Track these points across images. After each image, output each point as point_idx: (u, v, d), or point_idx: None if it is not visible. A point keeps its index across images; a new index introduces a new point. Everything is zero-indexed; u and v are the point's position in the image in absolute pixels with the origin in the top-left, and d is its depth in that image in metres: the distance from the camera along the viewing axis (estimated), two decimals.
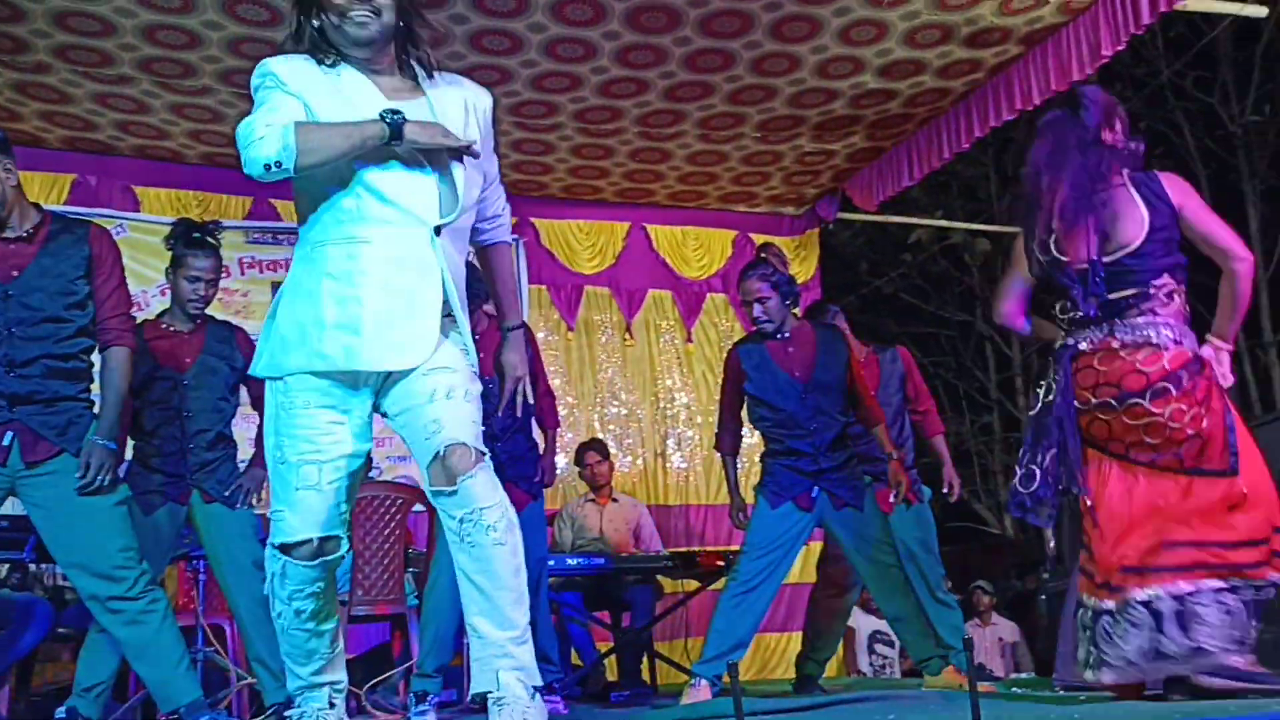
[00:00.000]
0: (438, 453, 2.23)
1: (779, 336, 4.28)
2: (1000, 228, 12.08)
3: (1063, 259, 2.97)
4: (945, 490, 5.06)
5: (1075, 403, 2.94)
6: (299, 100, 2.28)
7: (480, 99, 2.47)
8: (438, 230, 2.28)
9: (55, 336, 3.22)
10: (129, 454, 3.94)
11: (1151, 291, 2.88)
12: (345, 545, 2.35)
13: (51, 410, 3.20)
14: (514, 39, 5.29)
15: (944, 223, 12.05)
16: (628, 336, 7.48)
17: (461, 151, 2.28)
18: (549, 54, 5.45)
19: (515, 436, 4.50)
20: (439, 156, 2.31)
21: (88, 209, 6.08)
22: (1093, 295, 2.90)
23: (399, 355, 2.26)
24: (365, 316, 2.24)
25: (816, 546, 5.37)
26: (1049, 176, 3.01)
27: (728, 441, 4.58)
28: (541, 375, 4.75)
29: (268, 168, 2.22)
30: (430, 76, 2.40)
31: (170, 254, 4.00)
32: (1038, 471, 2.97)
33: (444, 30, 5.04)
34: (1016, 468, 3.06)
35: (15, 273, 3.21)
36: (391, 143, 2.21)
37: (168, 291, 4.16)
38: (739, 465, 4.80)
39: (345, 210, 2.28)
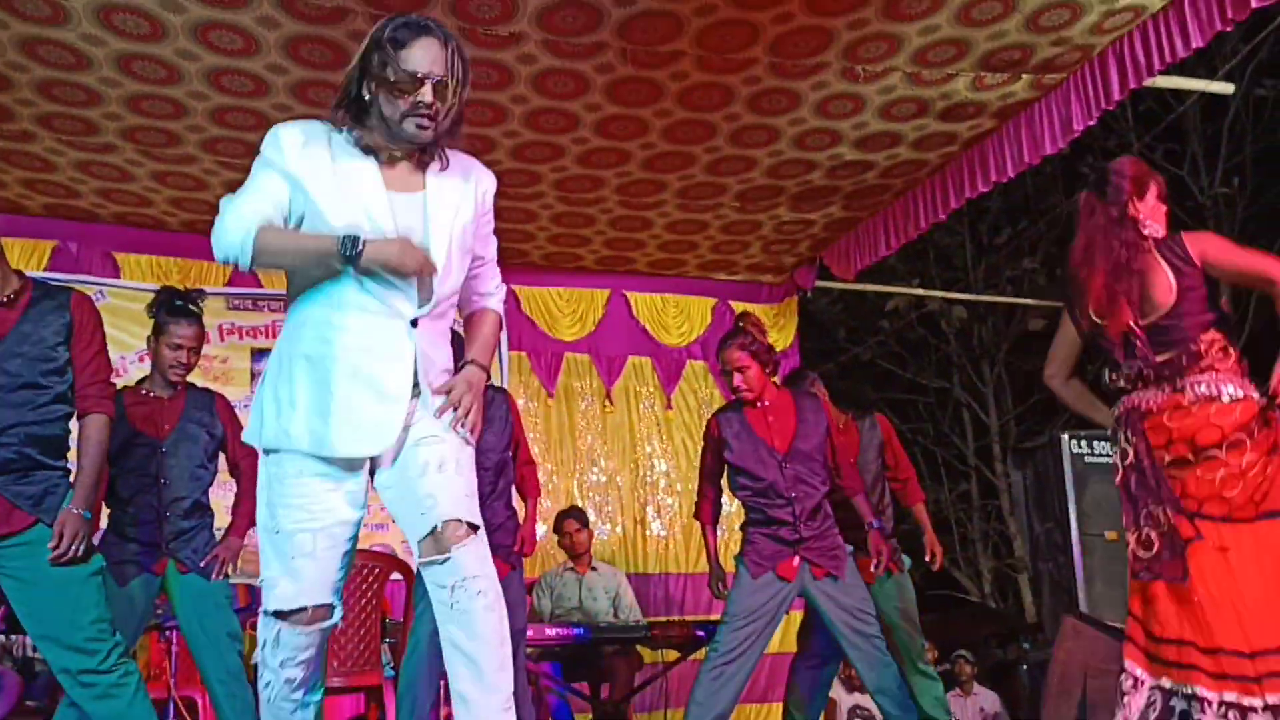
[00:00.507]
0: (433, 528, 2.25)
1: (758, 405, 4.30)
2: (975, 296, 12.24)
3: (1102, 325, 3.10)
4: (927, 559, 5.05)
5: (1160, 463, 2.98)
6: (290, 182, 2.29)
7: (482, 182, 2.49)
8: (414, 322, 2.31)
9: (32, 404, 3.18)
10: (104, 522, 3.90)
11: (1202, 349, 2.96)
12: (338, 612, 2.35)
13: (27, 480, 3.16)
14: (497, 109, 5.35)
15: (921, 291, 12.18)
16: (607, 403, 7.49)
17: (419, 274, 2.28)
18: (531, 125, 5.52)
19: (494, 504, 4.49)
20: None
21: (68, 275, 6.09)
22: (1137, 359, 3.02)
23: (363, 443, 2.28)
24: (333, 403, 2.26)
25: (797, 616, 5.34)
26: (1086, 268, 3.17)
27: (707, 510, 4.57)
28: (523, 444, 4.74)
29: (225, 260, 2.33)
30: (444, 166, 2.42)
31: (152, 321, 4.00)
32: (1153, 534, 2.97)
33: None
34: (1128, 537, 3.07)
35: None
36: (346, 265, 2.23)
37: (147, 358, 4.15)
38: (719, 534, 4.78)
39: (327, 294, 2.30)
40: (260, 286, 6.67)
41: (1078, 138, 5.42)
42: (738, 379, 4.25)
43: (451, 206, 2.38)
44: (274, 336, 6.74)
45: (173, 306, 3.97)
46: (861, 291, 11.05)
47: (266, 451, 2.35)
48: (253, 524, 4.20)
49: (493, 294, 2.62)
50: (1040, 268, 13.19)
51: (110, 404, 3.32)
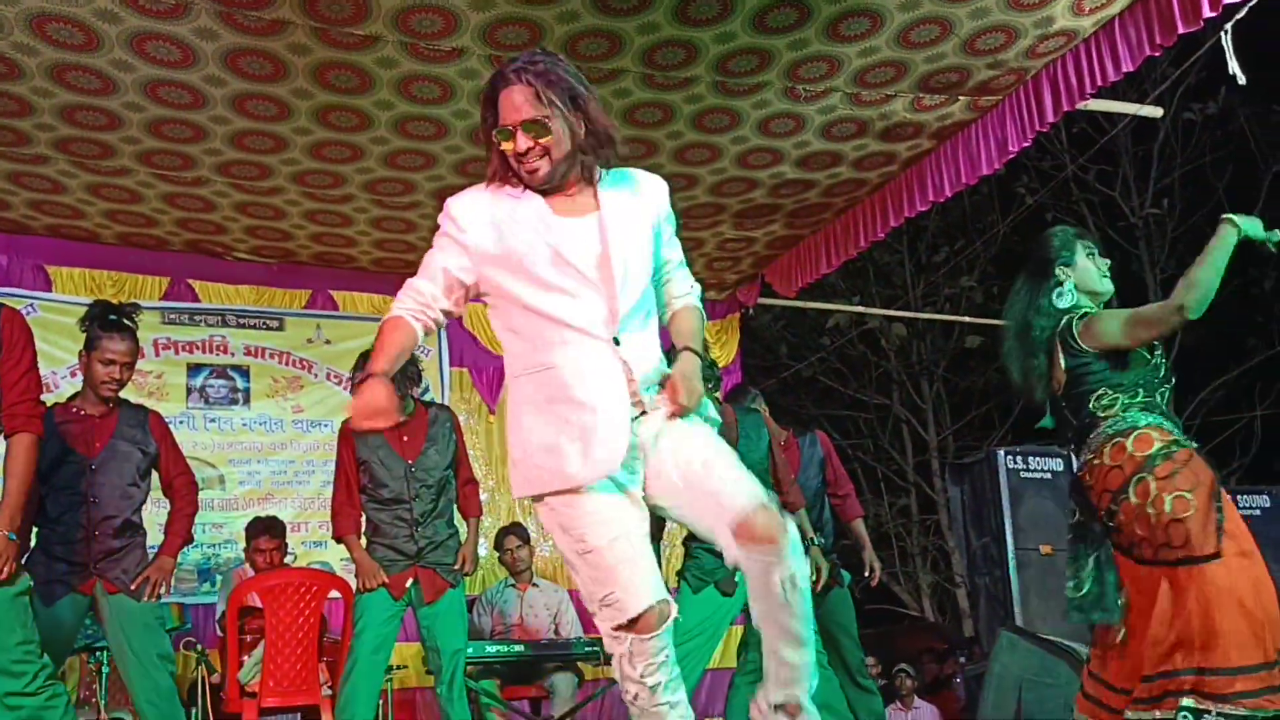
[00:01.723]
0: (745, 515, 2.31)
1: None
2: (914, 314, 12.39)
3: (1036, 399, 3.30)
4: (866, 574, 5.09)
5: (1099, 523, 3.09)
6: (470, 244, 2.37)
7: (653, 189, 2.55)
8: (616, 340, 2.36)
9: None
10: (33, 541, 3.81)
11: (1091, 406, 3.10)
12: (675, 607, 2.39)
13: None
14: (439, 124, 5.32)
15: (861, 309, 12.30)
16: None
17: (367, 427, 2.29)
18: (474, 140, 5.49)
19: (434, 523, 4.46)
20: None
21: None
22: (1067, 425, 3.21)
23: (600, 465, 2.36)
24: (567, 432, 2.37)
25: (737, 631, 5.35)
26: (1004, 356, 3.36)
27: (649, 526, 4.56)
28: (465, 462, 4.71)
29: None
30: (611, 179, 2.47)
31: (84, 335, 3.92)
32: (1086, 580, 3.11)
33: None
34: (1068, 579, 3.18)
35: None
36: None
37: (79, 373, 4.06)
38: (662, 549, 4.78)
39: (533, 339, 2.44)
40: (197, 301, 6.58)
41: (1013, 158, 5.53)
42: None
43: (625, 219, 2.41)
44: (210, 351, 6.66)
45: (106, 321, 3.89)
46: (803, 308, 11.14)
47: (538, 498, 2.43)
48: (186, 543, 4.15)
49: (689, 293, 2.63)
50: (977, 285, 13.39)
51: (39, 423, 3.23)
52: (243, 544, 5.68)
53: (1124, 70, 4.74)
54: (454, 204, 2.41)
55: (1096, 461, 3.04)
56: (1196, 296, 2.92)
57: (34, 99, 4.93)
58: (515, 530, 6.20)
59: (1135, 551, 2.97)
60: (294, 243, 6.65)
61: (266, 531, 5.45)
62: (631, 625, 2.30)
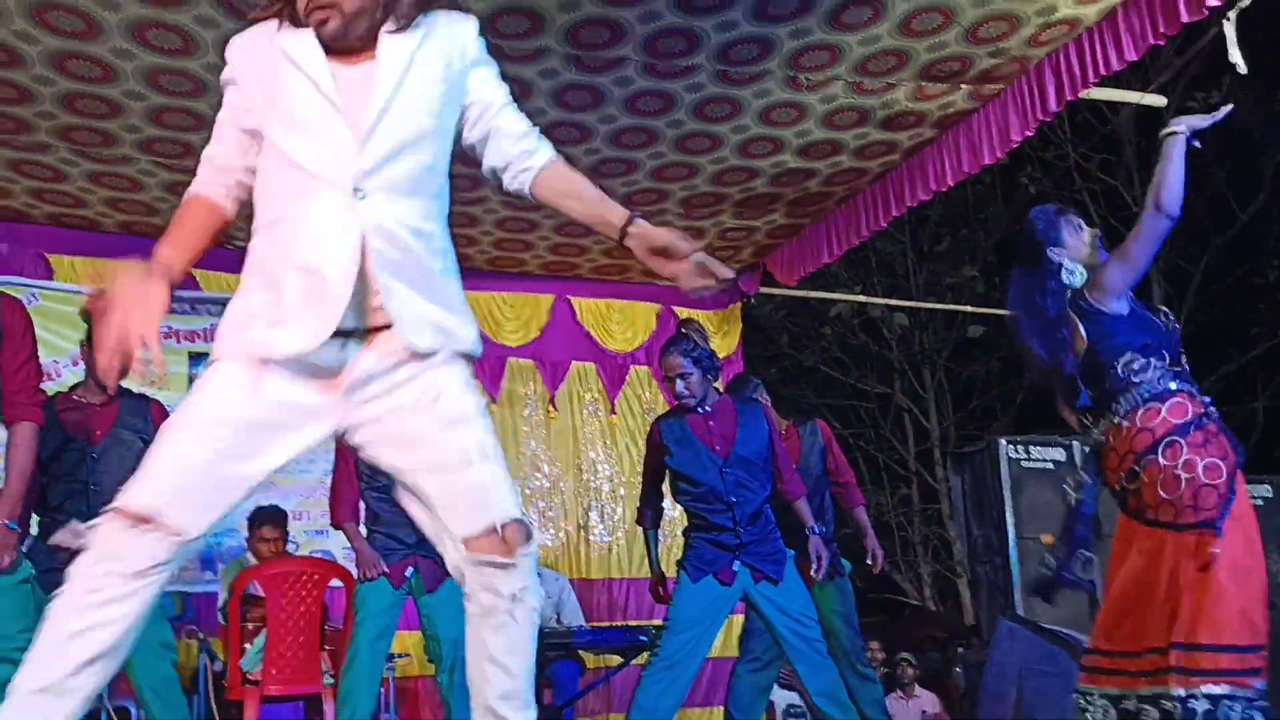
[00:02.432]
0: (493, 526, 1.98)
1: (700, 411, 4.31)
2: (916, 303, 12.38)
3: (1063, 377, 3.24)
4: (868, 562, 5.10)
5: (1112, 488, 3.09)
6: (243, 84, 2.05)
7: (449, 29, 2.13)
8: (358, 191, 1.98)
9: None
10: (34, 529, 3.82)
11: (1120, 371, 3.06)
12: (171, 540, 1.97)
13: None
14: None
15: (863, 298, 12.30)
16: (551, 409, 7.47)
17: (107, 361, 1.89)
18: None
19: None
20: None
21: None
22: (1079, 403, 3.18)
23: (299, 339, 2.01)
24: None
25: (738, 620, 5.36)
26: (1022, 337, 3.30)
27: (649, 515, 4.58)
28: None
29: None
30: (399, 27, 2.06)
31: (85, 326, 3.92)
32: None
33: None
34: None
35: None
36: None
37: (80, 362, 4.07)
38: (662, 539, 4.79)
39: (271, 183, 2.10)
40: (199, 289, 6.57)
41: (1016, 147, 5.52)
42: (680, 385, 4.26)
43: (404, 59, 2.02)
44: (212, 340, 6.64)
45: None
46: (804, 298, 11.13)
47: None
48: None
49: (547, 145, 2.21)
50: (980, 275, 13.38)
51: (39, 412, 3.24)
52: (245, 533, 5.69)
53: (1127, 59, 4.73)
54: (231, 41, 2.10)
55: (1125, 424, 3.02)
56: (1169, 194, 3.04)
57: (35, 87, 4.93)
58: None
59: (1149, 514, 2.96)
60: None
61: (269, 520, 5.45)
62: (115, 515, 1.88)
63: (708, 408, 4.32)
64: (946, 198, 10.20)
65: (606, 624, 6.67)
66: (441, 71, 2.07)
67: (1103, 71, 4.82)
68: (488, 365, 7.32)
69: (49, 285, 6.27)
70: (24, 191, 5.98)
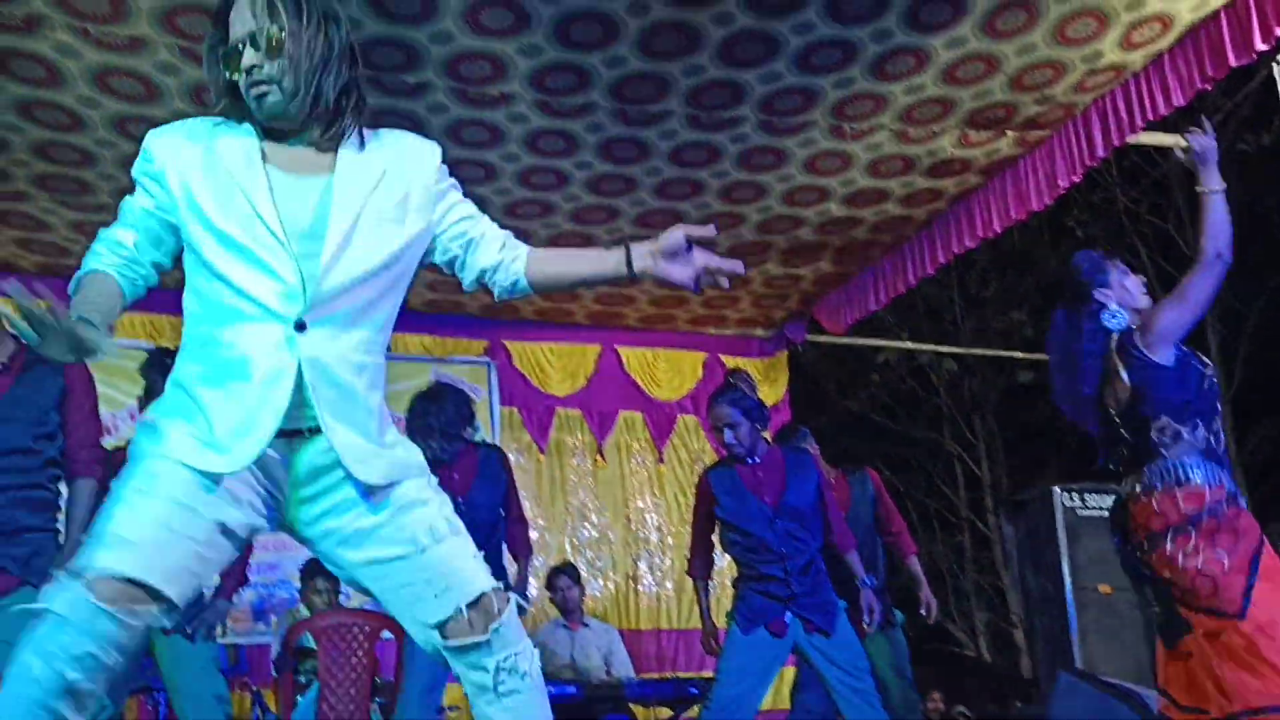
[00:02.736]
0: (458, 610, 1.93)
1: (749, 461, 4.30)
2: (965, 349, 12.29)
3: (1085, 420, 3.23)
4: (922, 612, 5.03)
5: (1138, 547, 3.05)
6: (166, 178, 1.92)
7: (413, 154, 2.07)
8: (300, 325, 1.87)
9: (22, 468, 3.18)
10: None
11: (1155, 436, 3.01)
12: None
13: (15, 542, 3.14)
14: (488, 168, 5.41)
15: (910, 344, 12.22)
16: (599, 458, 7.48)
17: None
18: (522, 183, 5.58)
19: (486, 563, 4.46)
20: None
21: None
22: (1121, 445, 3.12)
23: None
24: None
25: (790, 673, 5.30)
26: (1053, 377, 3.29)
27: (699, 566, 4.56)
28: (515, 501, 4.72)
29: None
30: (362, 143, 2.01)
31: (144, 383, 4.00)
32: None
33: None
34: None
35: None
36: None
37: (137, 416, 4.14)
38: (712, 589, 4.76)
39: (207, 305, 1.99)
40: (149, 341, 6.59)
41: (1063, 193, 5.49)
42: (729, 435, 4.25)
43: (363, 183, 1.94)
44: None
45: (164, 368, 3.95)
46: (852, 345, 11.09)
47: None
48: (241, 584, 4.19)
49: (519, 243, 2.15)
50: (1028, 320, 13.26)
51: (100, 468, 3.31)
52: (298, 584, 5.73)
53: (1175, 104, 4.71)
54: (151, 134, 1.96)
55: (1145, 500, 2.99)
56: (1217, 239, 3.07)
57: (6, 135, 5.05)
58: (566, 570, 6.20)
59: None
60: None
61: (321, 572, 5.49)
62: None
63: (757, 458, 4.30)
64: (994, 243, 10.13)
65: (656, 676, 6.61)
66: (402, 210, 1.98)
67: (1150, 117, 4.80)
68: (536, 415, 7.35)
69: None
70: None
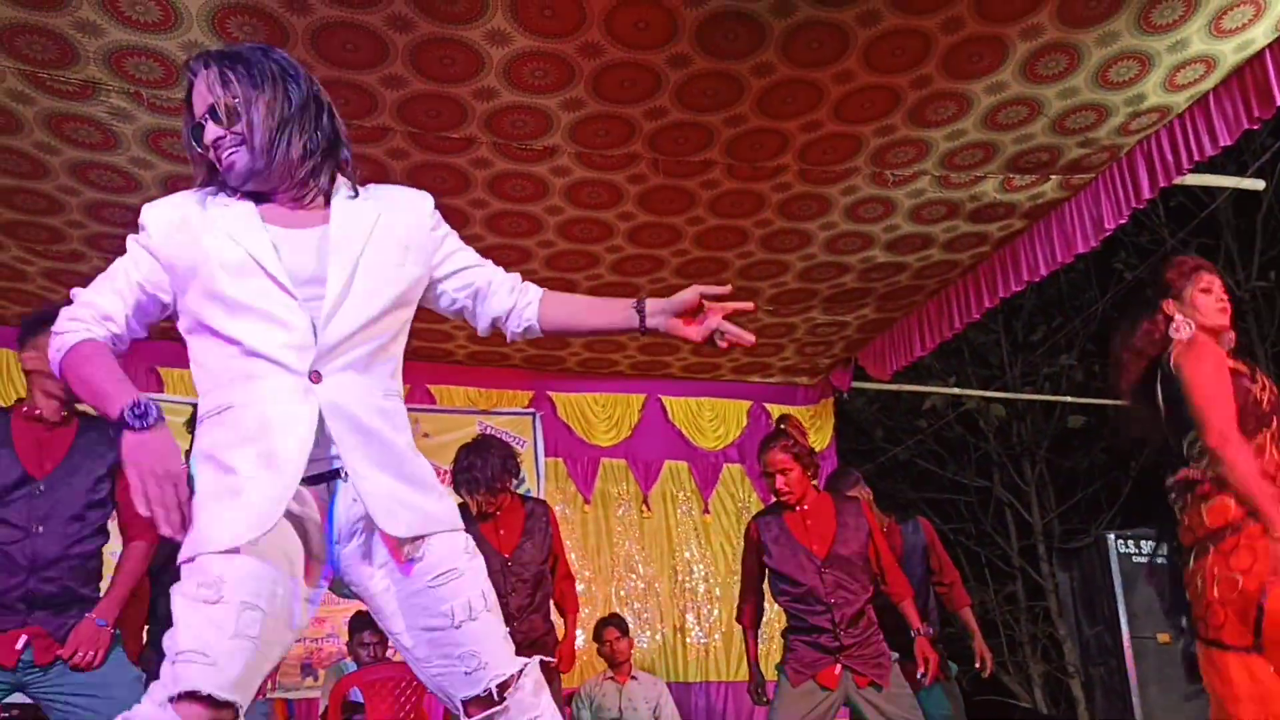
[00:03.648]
0: (486, 691, 1.97)
1: (798, 509, 4.26)
2: (1013, 395, 12.15)
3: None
4: (977, 665, 4.94)
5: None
6: (160, 251, 1.95)
7: (406, 203, 2.10)
8: (314, 375, 1.90)
9: (77, 536, 3.23)
10: (144, 638, 3.91)
11: (1186, 445, 2.99)
12: None
13: (66, 614, 3.21)
14: (531, 220, 5.45)
15: (957, 390, 12.11)
16: (645, 509, 7.45)
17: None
18: (565, 234, 5.62)
19: (532, 618, 4.45)
20: None
21: None
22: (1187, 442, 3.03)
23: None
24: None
25: None
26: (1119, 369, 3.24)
27: (749, 614, 4.51)
28: (562, 557, 4.71)
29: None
30: (354, 193, 2.04)
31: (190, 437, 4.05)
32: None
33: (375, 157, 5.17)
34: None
35: (50, 466, 3.24)
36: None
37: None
38: (760, 640, 4.71)
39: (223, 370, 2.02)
40: (162, 391, 6.67)
41: (1109, 235, 5.44)
42: (780, 481, 4.23)
43: (360, 231, 1.98)
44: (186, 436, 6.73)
45: None
46: (898, 391, 11.01)
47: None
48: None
49: (525, 284, 2.19)
50: (1078, 364, 13.10)
51: (154, 533, 3.36)
52: (345, 638, 5.73)
53: (1221, 145, 4.66)
54: (147, 208, 2.00)
55: (1179, 504, 2.96)
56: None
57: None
58: (614, 622, 6.16)
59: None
60: None
61: (369, 625, 5.49)
62: (177, 700, 1.71)
63: (805, 506, 4.27)
64: (1040, 286, 10.06)
65: None
66: (400, 254, 2.01)
67: (1196, 158, 4.75)
68: (580, 466, 7.35)
69: (159, 398, 6.48)
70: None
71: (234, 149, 1.93)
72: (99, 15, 3.86)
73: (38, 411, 3.28)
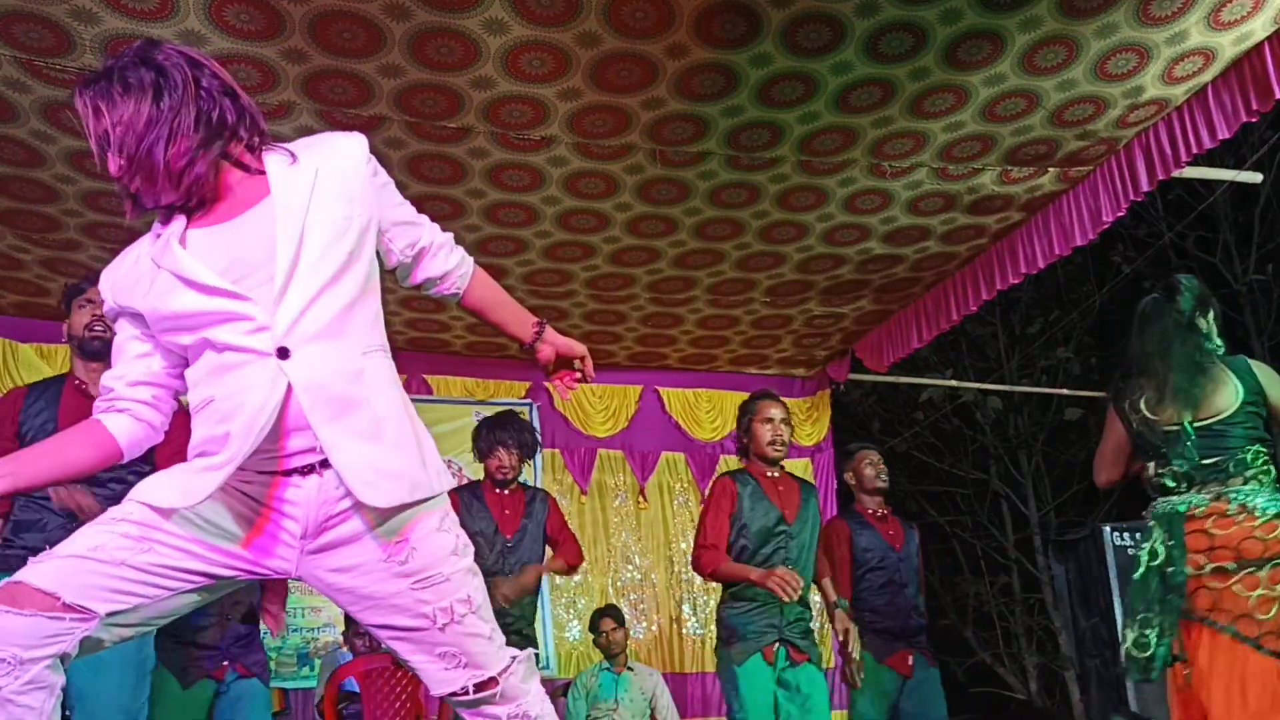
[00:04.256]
0: (465, 688, 2.01)
1: (770, 474, 4.29)
2: (1010, 387, 12.16)
3: (1154, 420, 3.11)
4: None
5: (1187, 569, 2.96)
6: (124, 307, 1.98)
7: (344, 155, 2.00)
8: (282, 352, 1.86)
9: None
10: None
11: (1249, 459, 2.97)
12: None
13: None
14: (528, 210, 5.44)
15: (955, 383, 12.11)
16: (641, 500, 7.46)
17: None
18: (562, 225, 5.61)
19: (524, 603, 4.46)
20: None
21: None
22: (1187, 458, 3.03)
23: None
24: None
25: None
26: (1158, 359, 3.18)
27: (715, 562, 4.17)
28: (564, 526, 4.74)
29: None
30: (293, 158, 1.97)
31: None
32: (1152, 636, 2.97)
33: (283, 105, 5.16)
34: (1126, 632, 3.07)
35: None
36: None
37: None
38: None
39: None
40: None
41: (1107, 228, 5.44)
42: (771, 431, 4.25)
43: (299, 193, 1.91)
44: None
45: None
46: (895, 384, 11.01)
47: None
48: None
49: (463, 257, 2.19)
50: (1075, 357, 13.10)
51: None
52: (341, 628, 5.74)
53: (1220, 138, 4.66)
54: (101, 281, 2.02)
55: (1241, 518, 2.91)
56: None
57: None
58: (611, 612, 6.17)
59: (1226, 621, 2.86)
60: (389, 329, 6.79)
61: None
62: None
63: (777, 473, 4.31)
64: (1037, 279, 10.07)
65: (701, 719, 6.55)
66: (345, 206, 1.94)
67: (1195, 150, 4.75)
68: (578, 457, 7.35)
69: (426, 400, 6.56)
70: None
71: (123, 177, 1.89)
72: (95, 3, 3.85)
73: None
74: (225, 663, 3.85)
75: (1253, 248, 11.99)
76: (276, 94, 4.37)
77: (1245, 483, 2.94)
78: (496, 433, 4.55)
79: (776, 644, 4.01)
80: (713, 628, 7.33)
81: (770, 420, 4.25)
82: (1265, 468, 2.97)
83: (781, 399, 4.38)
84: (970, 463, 14.05)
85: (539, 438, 4.73)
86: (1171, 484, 3.06)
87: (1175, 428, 3.07)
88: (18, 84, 4.30)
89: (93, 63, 4.14)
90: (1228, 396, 3.03)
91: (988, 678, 13.39)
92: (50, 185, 5.05)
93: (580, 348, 2.29)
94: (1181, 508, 3.02)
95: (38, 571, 1.78)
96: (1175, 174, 5.07)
